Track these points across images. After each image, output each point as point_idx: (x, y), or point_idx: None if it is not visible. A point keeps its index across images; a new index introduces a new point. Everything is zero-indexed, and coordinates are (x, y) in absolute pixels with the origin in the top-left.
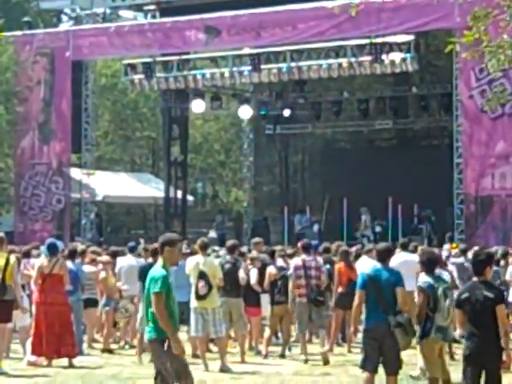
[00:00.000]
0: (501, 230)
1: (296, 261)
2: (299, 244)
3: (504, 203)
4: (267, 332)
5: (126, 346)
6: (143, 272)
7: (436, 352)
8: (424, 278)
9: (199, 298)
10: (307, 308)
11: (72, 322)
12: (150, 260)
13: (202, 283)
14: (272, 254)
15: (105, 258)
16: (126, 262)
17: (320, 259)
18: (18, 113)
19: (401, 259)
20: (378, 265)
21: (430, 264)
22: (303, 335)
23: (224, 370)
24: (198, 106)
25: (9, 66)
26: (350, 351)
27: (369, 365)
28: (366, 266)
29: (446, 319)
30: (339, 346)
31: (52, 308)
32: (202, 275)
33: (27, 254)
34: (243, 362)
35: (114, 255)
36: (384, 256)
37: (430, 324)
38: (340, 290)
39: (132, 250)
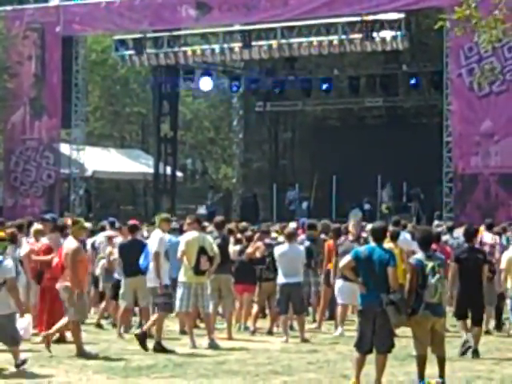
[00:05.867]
0: (485, 208)
1: None
2: None
3: (488, 182)
4: (255, 308)
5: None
6: (124, 249)
7: (426, 329)
8: (417, 256)
9: (200, 273)
10: None
11: None
12: (130, 237)
13: (204, 258)
14: (267, 231)
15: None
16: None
17: None
18: (7, 88)
19: None
20: (373, 244)
21: (424, 241)
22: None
23: (212, 346)
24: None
25: None
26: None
27: (363, 346)
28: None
29: (434, 296)
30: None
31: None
32: (203, 251)
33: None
34: (230, 338)
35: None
36: (379, 235)
37: (419, 301)
38: (329, 267)
39: (113, 225)
